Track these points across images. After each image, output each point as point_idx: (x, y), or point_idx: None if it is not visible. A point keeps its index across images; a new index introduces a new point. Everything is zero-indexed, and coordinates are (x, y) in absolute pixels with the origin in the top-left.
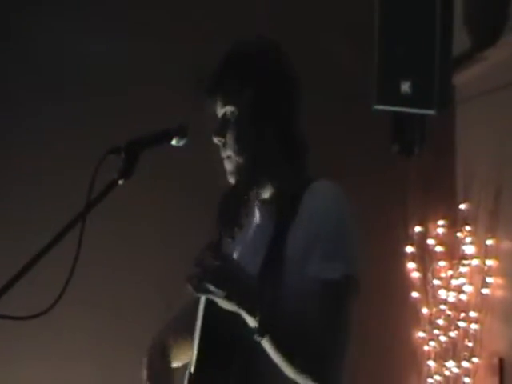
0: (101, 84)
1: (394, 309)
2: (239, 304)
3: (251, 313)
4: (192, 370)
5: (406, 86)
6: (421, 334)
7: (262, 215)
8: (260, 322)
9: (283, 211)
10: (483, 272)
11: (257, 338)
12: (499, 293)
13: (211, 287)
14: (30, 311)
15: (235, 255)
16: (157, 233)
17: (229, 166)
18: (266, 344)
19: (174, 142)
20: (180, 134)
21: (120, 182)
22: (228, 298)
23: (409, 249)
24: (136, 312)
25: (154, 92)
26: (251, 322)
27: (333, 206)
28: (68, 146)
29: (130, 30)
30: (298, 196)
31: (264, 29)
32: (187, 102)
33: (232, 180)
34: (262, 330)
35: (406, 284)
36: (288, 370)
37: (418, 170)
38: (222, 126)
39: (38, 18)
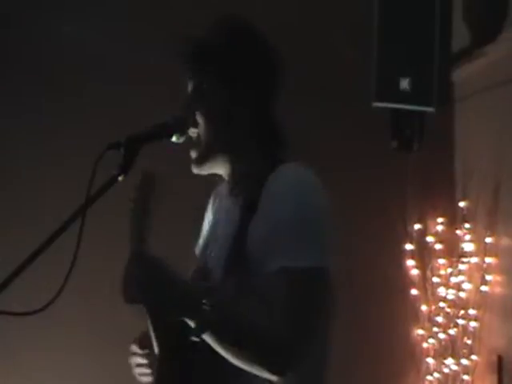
0: (101, 79)
1: (393, 306)
2: (171, 310)
3: (185, 316)
4: (155, 370)
5: (404, 83)
6: (420, 332)
7: (229, 204)
8: (197, 323)
9: (247, 198)
10: (482, 269)
11: (193, 337)
12: (498, 290)
13: (138, 296)
14: (29, 305)
15: (207, 247)
16: (156, 226)
17: (194, 153)
18: (209, 340)
19: (174, 138)
20: (180, 131)
21: (120, 177)
22: (157, 305)
23: (408, 246)
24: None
25: (154, 87)
26: (189, 322)
27: (295, 189)
28: (67, 142)
29: (130, 26)
30: (263, 181)
31: (263, 27)
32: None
33: (195, 169)
34: (199, 330)
35: (406, 281)
36: (237, 363)
37: (417, 167)
38: (194, 101)
39: (38, 13)
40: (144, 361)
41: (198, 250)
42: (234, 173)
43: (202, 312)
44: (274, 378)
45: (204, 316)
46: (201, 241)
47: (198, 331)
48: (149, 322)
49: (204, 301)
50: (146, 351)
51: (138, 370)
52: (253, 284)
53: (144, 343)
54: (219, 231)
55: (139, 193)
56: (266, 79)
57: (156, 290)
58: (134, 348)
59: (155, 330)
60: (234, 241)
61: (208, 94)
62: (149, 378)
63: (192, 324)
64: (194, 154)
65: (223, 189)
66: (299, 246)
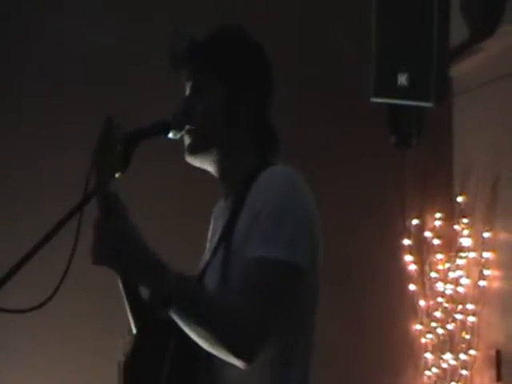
0: (101, 72)
1: (392, 301)
2: (136, 276)
3: (149, 283)
4: (129, 352)
5: (402, 79)
6: (418, 327)
7: (227, 206)
8: (158, 295)
9: (236, 196)
10: (480, 264)
11: (158, 309)
12: (496, 285)
13: (105, 260)
14: (27, 302)
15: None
16: (155, 221)
17: (188, 140)
18: (174, 316)
19: (171, 135)
20: (177, 127)
21: (117, 174)
22: (123, 270)
23: (406, 241)
24: None
25: (154, 86)
26: (154, 292)
27: (278, 188)
28: (66, 139)
29: (130, 24)
30: (253, 180)
31: (264, 22)
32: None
33: (188, 158)
34: (163, 301)
35: (404, 277)
36: (205, 346)
37: (415, 163)
38: (192, 99)
39: (39, 6)
40: None
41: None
42: (223, 170)
43: (165, 282)
44: (239, 363)
45: (167, 286)
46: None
47: (162, 302)
48: (120, 284)
49: (169, 273)
50: None
51: None
52: (234, 273)
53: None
54: (216, 234)
55: (103, 139)
56: (263, 80)
57: (124, 255)
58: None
59: (132, 311)
60: (221, 234)
61: (207, 93)
62: None
63: (156, 294)
64: (187, 141)
65: (221, 202)
66: (271, 237)
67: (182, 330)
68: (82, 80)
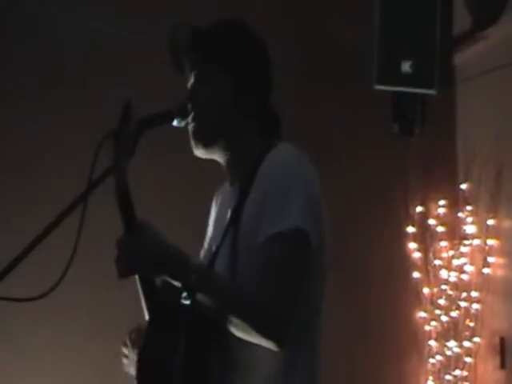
0: (101, 64)
1: (396, 289)
2: (161, 271)
3: (174, 279)
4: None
5: (406, 66)
6: (422, 314)
7: (230, 192)
8: (185, 286)
9: (243, 181)
10: (484, 252)
11: (184, 300)
12: (500, 272)
13: (126, 268)
14: (30, 292)
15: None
16: (158, 211)
17: (193, 133)
18: (201, 303)
19: (175, 122)
20: (181, 115)
21: None
22: (149, 268)
23: (410, 229)
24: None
25: (155, 71)
26: (179, 284)
27: (281, 164)
28: (68, 129)
29: (130, 16)
30: (259, 165)
31: (264, 9)
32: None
33: (197, 152)
34: (189, 293)
35: (407, 264)
36: (236, 332)
37: (419, 150)
38: (198, 90)
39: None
40: (130, 354)
41: (202, 252)
42: (231, 159)
43: (190, 273)
44: (272, 345)
45: (193, 277)
46: (206, 243)
47: (188, 293)
48: (140, 290)
49: (193, 264)
50: (132, 348)
51: (124, 360)
52: (245, 259)
53: (134, 338)
54: (222, 219)
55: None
56: (265, 67)
57: (148, 254)
58: (126, 340)
59: (145, 297)
60: (229, 220)
61: (211, 81)
62: (132, 370)
63: (181, 286)
64: (193, 135)
65: (225, 187)
66: (282, 212)
67: (195, 317)
68: (82, 71)
